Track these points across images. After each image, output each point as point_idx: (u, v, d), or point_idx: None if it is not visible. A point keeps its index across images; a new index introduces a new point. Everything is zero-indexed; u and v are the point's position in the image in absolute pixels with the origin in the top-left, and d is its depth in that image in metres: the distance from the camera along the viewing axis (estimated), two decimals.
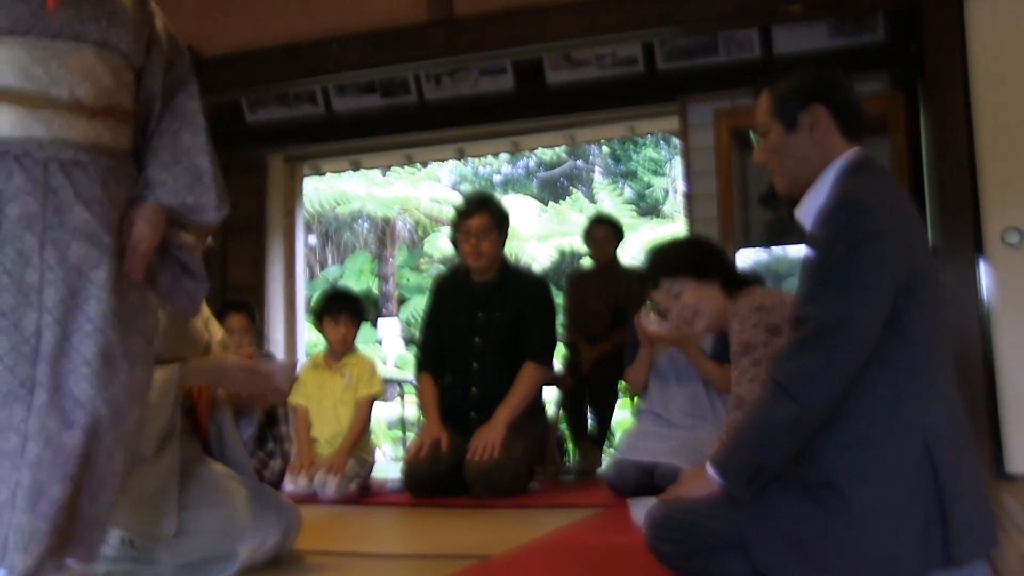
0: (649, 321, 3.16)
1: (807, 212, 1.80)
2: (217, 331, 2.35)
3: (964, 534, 1.60)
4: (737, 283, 2.50)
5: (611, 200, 13.97)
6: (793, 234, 4.57)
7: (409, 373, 7.67)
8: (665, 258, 2.57)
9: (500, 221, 3.63)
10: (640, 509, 2.23)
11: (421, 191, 13.94)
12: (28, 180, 1.55)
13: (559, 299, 4.58)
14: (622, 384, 4.47)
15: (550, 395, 4.34)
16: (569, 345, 4.51)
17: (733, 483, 1.71)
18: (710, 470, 1.76)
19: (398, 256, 14.72)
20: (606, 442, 4.54)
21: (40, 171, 1.56)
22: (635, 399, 3.72)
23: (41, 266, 1.54)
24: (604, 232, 4.59)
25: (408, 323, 13.51)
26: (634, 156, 15.17)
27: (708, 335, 3.25)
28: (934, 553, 1.59)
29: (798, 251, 4.55)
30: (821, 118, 1.79)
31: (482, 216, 3.58)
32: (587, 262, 4.77)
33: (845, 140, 1.81)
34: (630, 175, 15.26)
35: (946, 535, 1.59)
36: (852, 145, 1.81)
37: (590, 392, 4.45)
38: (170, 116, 1.77)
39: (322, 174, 6.48)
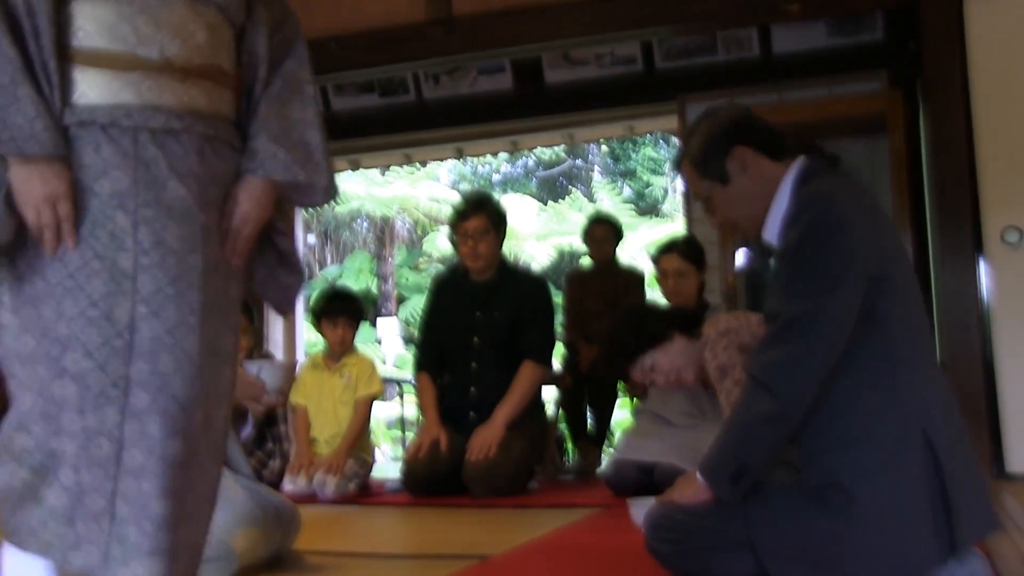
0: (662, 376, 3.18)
1: (771, 229, 1.81)
2: None
3: (966, 517, 1.60)
4: (693, 322, 2.54)
5: (610, 199, 13.97)
6: None
7: (408, 373, 7.67)
8: (621, 346, 2.60)
9: (497, 222, 3.63)
10: (639, 509, 2.23)
11: (420, 190, 13.94)
12: (117, 152, 1.36)
13: (558, 298, 4.58)
14: (621, 384, 4.47)
15: (549, 395, 4.34)
16: (568, 345, 4.51)
17: (717, 485, 1.70)
18: (699, 476, 1.76)
19: (397, 255, 14.72)
20: (605, 442, 4.54)
21: (129, 142, 1.37)
22: (634, 399, 3.72)
23: (135, 250, 1.34)
24: (603, 231, 4.59)
25: (407, 322, 13.51)
26: (633, 155, 15.17)
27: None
28: (942, 540, 1.60)
29: None
30: (747, 157, 1.82)
31: (479, 218, 3.58)
32: (586, 261, 4.77)
33: (778, 164, 1.83)
34: (629, 174, 15.27)
35: (950, 521, 1.59)
36: (789, 162, 1.82)
37: (589, 392, 4.44)
38: (278, 83, 1.55)
39: None
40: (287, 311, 1.69)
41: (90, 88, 1.37)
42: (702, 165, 1.85)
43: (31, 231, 1.34)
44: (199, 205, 1.41)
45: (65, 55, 1.36)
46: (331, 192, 1.59)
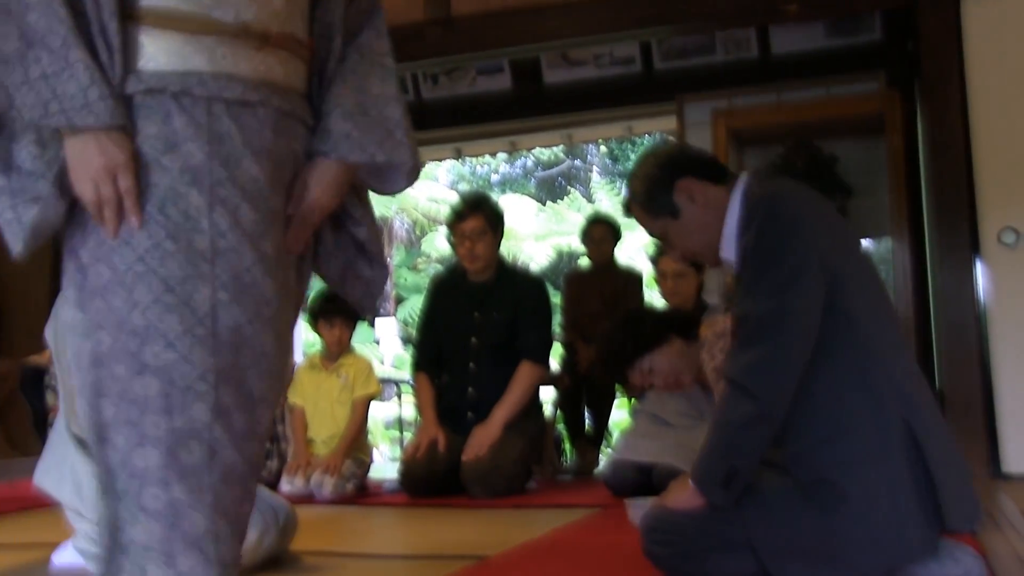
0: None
1: (727, 248, 1.83)
2: None
3: (952, 501, 1.62)
4: (690, 324, 2.55)
5: (609, 200, 13.96)
6: None
7: (406, 373, 7.66)
8: (619, 351, 2.62)
9: (494, 222, 3.63)
10: (637, 510, 2.23)
11: (418, 191, 13.93)
12: (189, 124, 1.21)
13: (556, 299, 4.58)
14: (619, 384, 4.47)
15: (547, 395, 4.34)
16: (566, 345, 4.51)
17: (709, 489, 1.71)
18: (691, 482, 1.76)
19: (396, 256, 14.71)
20: (603, 442, 4.54)
21: (203, 113, 1.22)
22: (632, 399, 3.72)
23: (211, 231, 1.19)
24: (602, 232, 4.59)
25: (406, 323, 13.51)
26: (632, 156, 15.16)
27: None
28: (933, 523, 1.62)
29: None
30: (692, 187, 1.84)
31: (476, 219, 3.58)
32: (585, 262, 4.77)
33: (722, 187, 1.85)
34: (628, 175, 15.27)
35: (936, 504, 1.60)
36: (731, 184, 1.84)
37: (587, 392, 4.44)
38: (355, 55, 1.39)
39: None
40: (369, 310, 1.50)
41: (159, 52, 1.22)
42: (650, 205, 1.89)
43: (90, 210, 1.18)
44: (271, 187, 1.27)
45: (130, 15, 1.21)
46: (415, 174, 1.44)
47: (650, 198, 1.88)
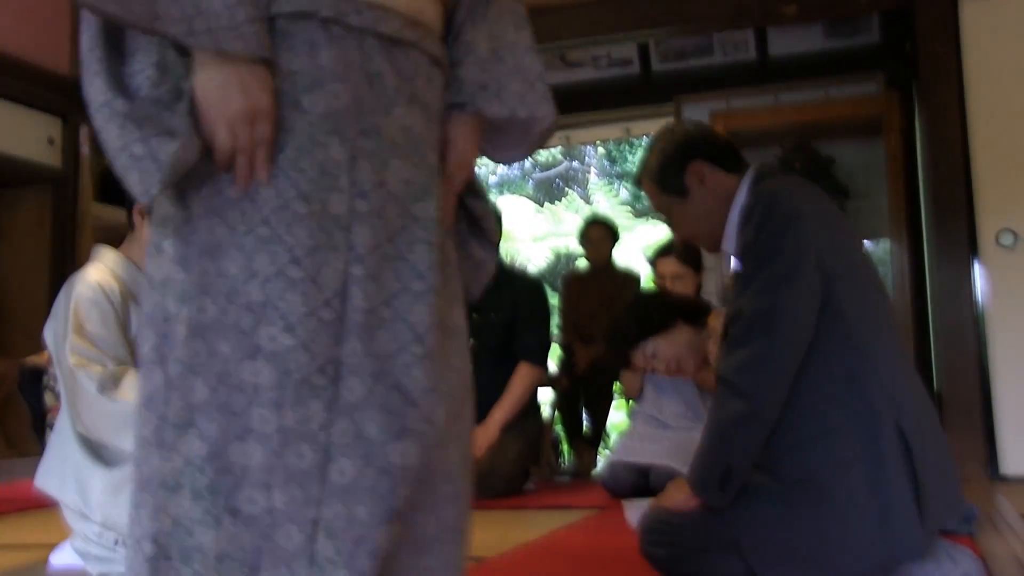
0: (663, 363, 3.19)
1: (729, 239, 1.83)
2: None
3: (933, 502, 1.61)
4: (699, 313, 2.55)
5: (607, 201, 13.96)
6: None
7: None
8: (626, 332, 2.62)
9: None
10: (635, 511, 2.23)
11: None
12: (339, 59, 1.02)
13: (554, 300, 4.58)
14: (617, 385, 4.47)
15: (545, 396, 4.33)
16: (564, 346, 4.51)
17: (705, 491, 1.71)
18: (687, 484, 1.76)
19: None
20: (601, 443, 4.54)
21: (355, 47, 1.03)
22: (630, 400, 3.72)
23: (350, 191, 1.00)
24: (599, 233, 4.59)
25: None
26: (630, 157, 15.17)
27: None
28: (914, 523, 1.61)
29: None
30: (704, 171, 1.84)
31: None
32: (583, 263, 4.77)
33: (734, 176, 1.84)
34: (626, 176, 15.27)
35: (919, 505, 1.60)
36: (742, 174, 1.84)
37: (585, 393, 4.45)
38: (485, 0, 1.21)
39: None
40: (476, 295, 1.26)
41: None
42: (660, 180, 1.88)
43: (218, 157, 0.99)
44: (428, 141, 1.09)
45: None
46: (549, 134, 1.29)
47: (662, 174, 1.87)
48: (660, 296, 2.74)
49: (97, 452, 2.08)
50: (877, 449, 1.62)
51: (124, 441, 2.00)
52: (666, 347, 2.58)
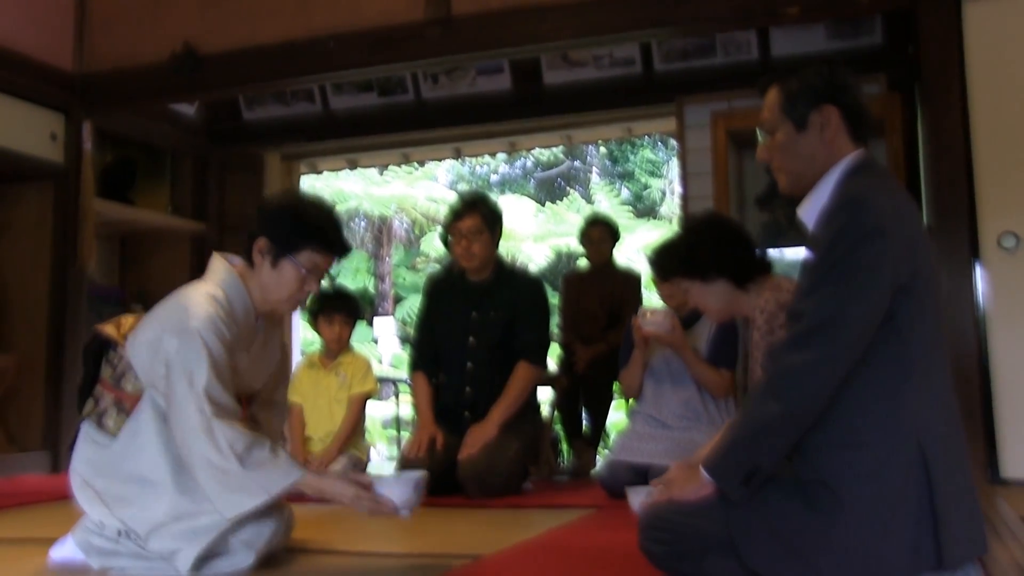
0: (646, 322, 3.17)
1: (810, 212, 1.80)
2: None
3: (956, 538, 1.60)
4: (749, 275, 2.46)
5: (608, 201, 13.97)
6: (789, 236, 4.58)
7: (404, 372, 7.66)
8: (671, 258, 2.55)
9: (492, 222, 3.62)
10: (638, 496, 2.24)
11: (418, 190, 13.93)
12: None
13: (555, 299, 4.58)
14: (617, 385, 4.47)
15: (545, 395, 4.33)
16: (564, 346, 4.51)
17: (727, 485, 1.70)
18: (703, 472, 1.75)
19: (394, 255, 14.71)
20: (600, 443, 4.54)
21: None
22: (629, 400, 3.72)
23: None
24: (600, 233, 4.59)
25: (404, 322, 13.50)
26: (631, 157, 15.18)
27: (704, 334, 3.29)
28: (924, 556, 1.59)
29: (794, 253, 4.56)
30: (832, 119, 1.79)
31: (473, 217, 3.57)
32: (583, 263, 4.77)
33: (852, 142, 1.81)
34: (627, 176, 15.27)
35: (938, 539, 1.59)
36: (858, 147, 1.81)
37: (585, 393, 4.44)
38: None
39: (319, 172, 6.48)
40: None
41: None
42: (790, 101, 1.82)
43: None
44: None
45: None
46: None
47: (795, 97, 1.81)
48: (720, 239, 2.47)
49: (179, 469, 2.01)
50: (895, 471, 1.60)
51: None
52: (698, 293, 2.47)
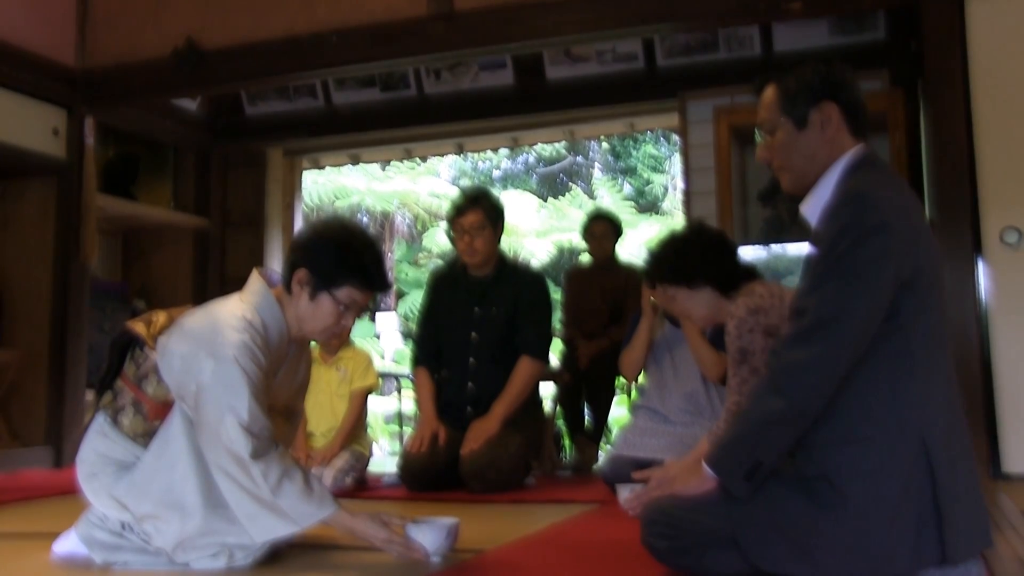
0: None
1: (813, 209, 1.80)
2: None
3: (959, 535, 1.60)
4: (733, 283, 2.51)
5: (610, 196, 13.95)
6: (792, 231, 4.57)
7: (406, 368, 7.66)
8: (659, 265, 2.59)
9: (494, 217, 3.62)
10: (625, 491, 2.25)
11: (420, 186, 13.92)
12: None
13: (557, 295, 4.58)
14: (619, 380, 4.47)
15: (547, 391, 4.33)
16: (567, 341, 4.51)
17: (730, 480, 1.70)
18: (706, 467, 1.75)
19: (397, 250, 14.70)
20: (602, 438, 4.54)
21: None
22: (632, 394, 3.72)
23: None
24: (603, 228, 4.59)
25: (406, 317, 13.50)
26: (634, 152, 15.15)
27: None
28: (927, 551, 1.59)
29: (797, 248, 4.55)
30: (832, 116, 1.79)
31: (475, 213, 3.58)
32: (586, 258, 4.77)
33: (853, 138, 1.81)
34: (629, 171, 15.25)
35: (941, 535, 1.59)
36: (858, 142, 1.81)
37: (587, 388, 4.45)
38: None
39: (321, 168, 6.48)
40: None
41: None
42: (789, 100, 1.82)
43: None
44: None
45: None
46: None
47: (793, 95, 1.82)
48: (707, 247, 2.56)
49: (210, 486, 1.98)
50: (898, 468, 1.61)
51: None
52: (682, 300, 2.55)
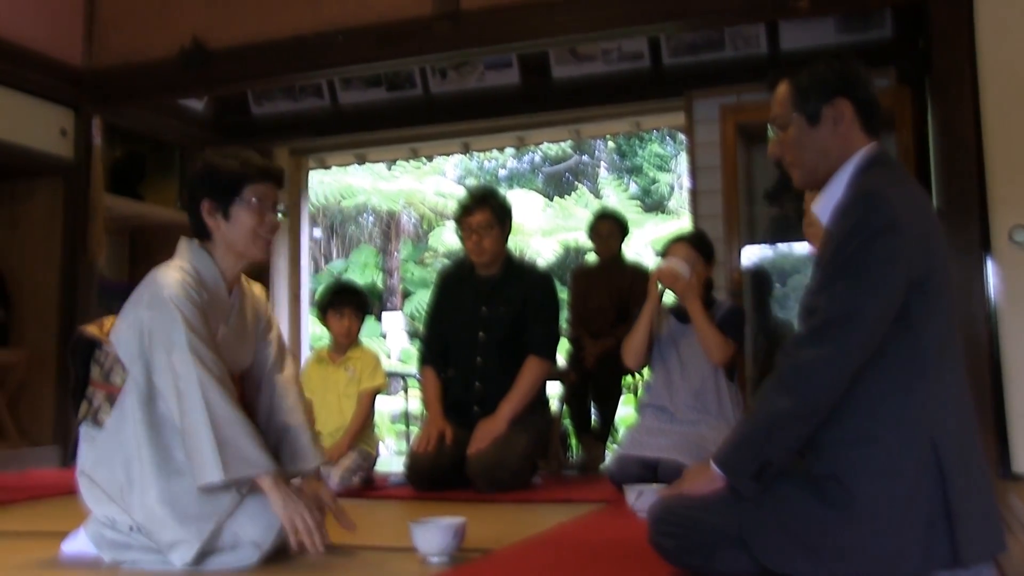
0: (666, 260, 3.29)
1: (824, 207, 1.79)
2: None
3: (971, 536, 1.59)
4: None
5: (616, 195, 13.94)
6: (798, 230, 4.56)
7: (413, 367, 7.67)
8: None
9: (502, 216, 3.62)
10: (634, 494, 2.24)
11: (426, 185, 13.92)
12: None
13: (563, 294, 4.58)
14: (626, 380, 4.46)
15: (553, 390, 4.33)
16: (573, 340, 4.51)
17: (738, 479, 1.70)
18: (714, 467, 1.75)
19: (403, 250, 14.71)
20: (609, 437, 4.54)
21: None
22: (638, 393, 3.72)
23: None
24: (609, 227, 4.59)
25: (412, 317, 13.51)
26: (639, 151, 15.13)
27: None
28: (938, 552, 1.59)
29: (803, 247, 4.54)
30: (845, 113, 1.78)
31: (483, 212, 3.58)
32: (591, 257, 4.76)
33: (865, 135, 1.80)
34: (635, 170, 15.23)
35: (952, 536, 1.58)
36: (871, 140, 1.80)
37: (593, 387, 4.44)
38: None
39: (327, 167, 6.49)
40: None
41: None
42: (802, 96, 1.80)
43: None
44: None
45: None
46: None
47: (806, 91, 1.80)
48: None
49: (160, 451, 2.04)
50: (908, 468, 1.60)
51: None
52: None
